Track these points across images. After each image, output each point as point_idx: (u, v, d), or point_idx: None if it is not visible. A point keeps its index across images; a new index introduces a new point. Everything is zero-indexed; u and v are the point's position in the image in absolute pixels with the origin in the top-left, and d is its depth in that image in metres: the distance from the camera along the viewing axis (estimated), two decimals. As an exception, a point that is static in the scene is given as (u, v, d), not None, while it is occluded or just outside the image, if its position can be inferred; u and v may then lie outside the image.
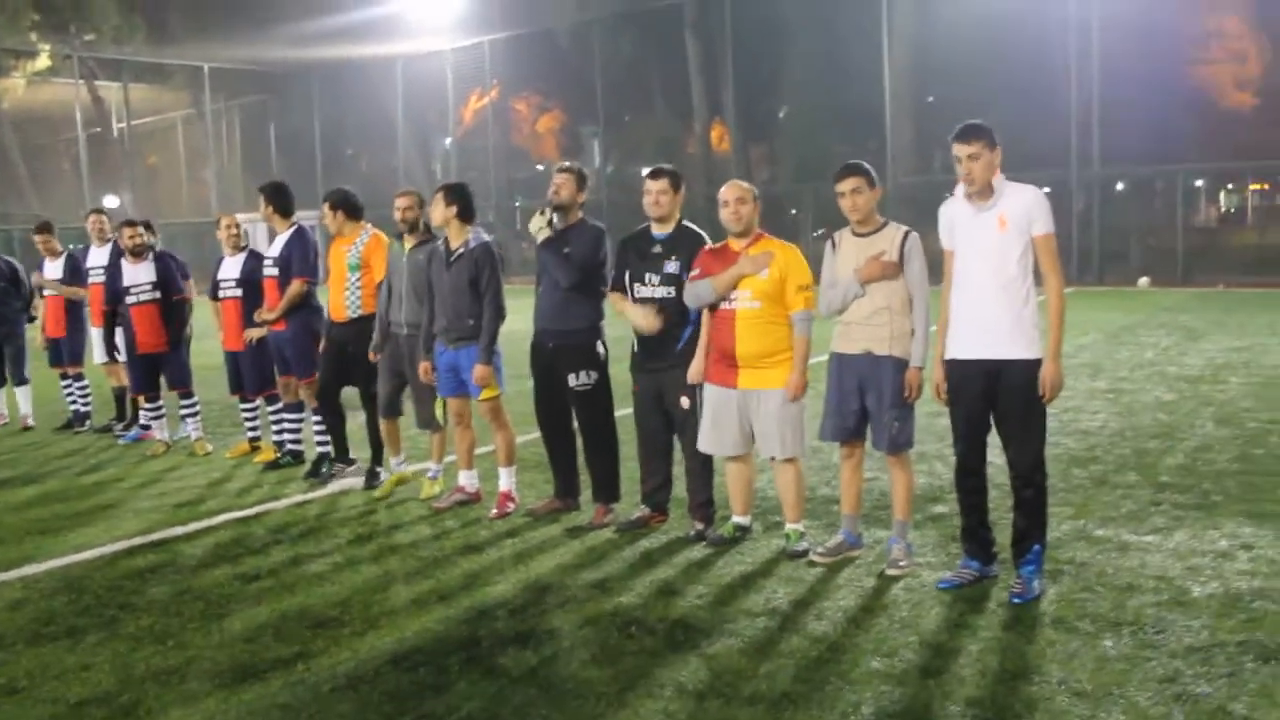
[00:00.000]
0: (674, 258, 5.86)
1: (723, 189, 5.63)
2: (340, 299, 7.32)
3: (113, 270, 8.95)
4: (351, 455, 7.71)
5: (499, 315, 6.45)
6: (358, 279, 7.29)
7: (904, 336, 5.15)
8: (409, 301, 6.85)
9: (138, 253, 8.78)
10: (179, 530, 6.56)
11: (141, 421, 9.37)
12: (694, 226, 6.01)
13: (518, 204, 35.47)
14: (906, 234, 5.21)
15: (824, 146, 28.73)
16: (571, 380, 6.19)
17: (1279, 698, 3.74)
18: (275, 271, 7.75)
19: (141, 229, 8.94)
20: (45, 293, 10.06)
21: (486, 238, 6.55)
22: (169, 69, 39.87)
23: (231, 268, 8.32)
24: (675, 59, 32.21)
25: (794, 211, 29.87)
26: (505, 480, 6.63)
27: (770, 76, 31.68)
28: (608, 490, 6.37)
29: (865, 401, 5.25)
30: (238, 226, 8.42)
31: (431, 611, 4.97)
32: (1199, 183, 27.84)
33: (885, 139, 25.99)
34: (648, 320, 5.83)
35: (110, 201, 35.78)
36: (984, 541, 5.06)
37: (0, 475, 8.34)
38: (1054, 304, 4.80)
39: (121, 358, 9.34)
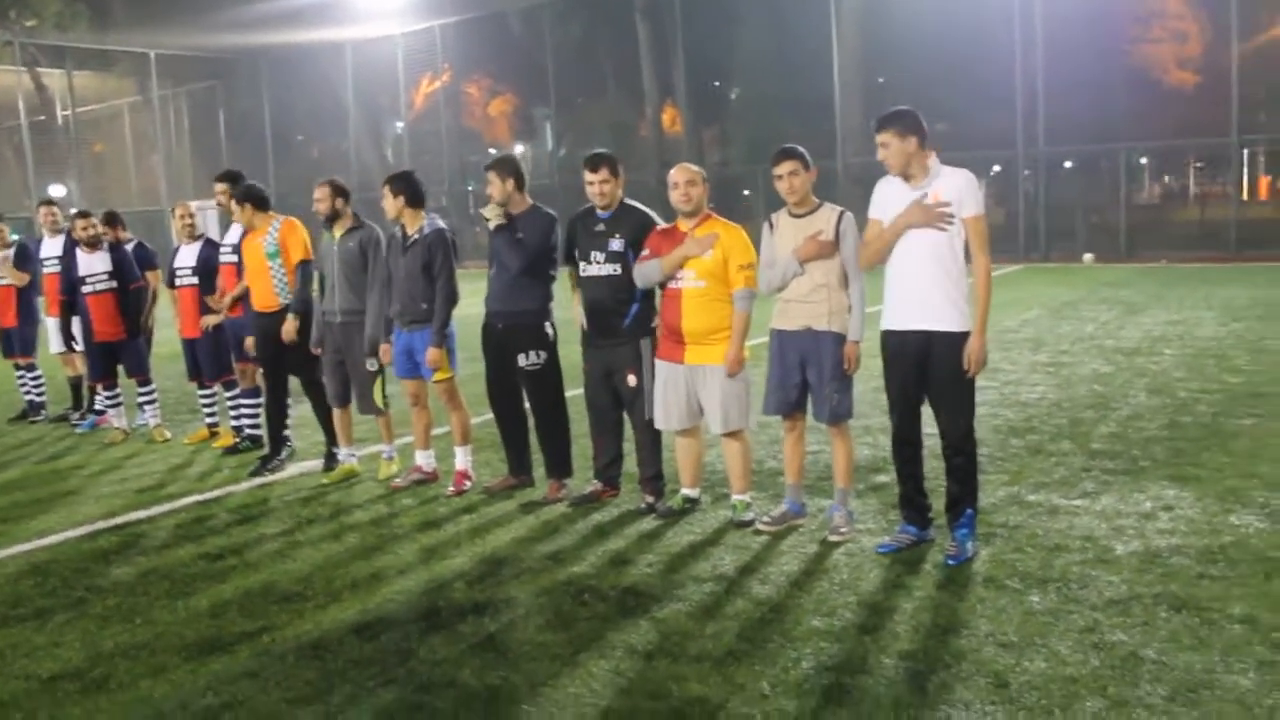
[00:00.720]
0: (618, 235, 6.07)
1: (672, 171, 5.83)
2: (268, 288, 7.41)
3: (68, 260, 8.98)
4: (291, 444, 7.90)
5: (450, 299, 6.61)
6: (280, 265, 7.41)
7: (841, 312, 5.38)
8: (341, 289, 6.97)
9: (92, 243, 8.82)
10: (141, 514, 6.67)
11: (97, 406, 9.43)
12: (637, 204, 6.21)
13: (470, 188, 35.43)
14: (841, 214, 5.43)
15: (775, 128, 28.94)
16: (521, 360, 6.36)
17: (1186, 642, 4.02)
18: (234, 259, 7.85)
19: (96, 221, 8.98)
20: None
21: (441, 224, 6.70)
22: (114, 55, 39.31)
23: (188, 255, 8.40)
24: (626, 42, 32.26)
25: (746, 192, 30.13)
26: (461, 459, 6.80)
27: (721, 59, 31.88)
28: (560, 467, 6.56)
29: (806, 375, 5.48)
30: (192, 215, 8.48)
31: (391, 584, 5.15)
32: (1144, 160, 28.40)
33: (835, 120, 26.27)
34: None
35: (56, 190, 35.29)
36: (920, 507, 5.31)
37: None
38: (981, 282, 5.04)
39: (79, 347, 9.37)
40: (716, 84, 33.78)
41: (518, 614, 4.67)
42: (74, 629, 4.82)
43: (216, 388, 8.65)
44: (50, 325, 9.94)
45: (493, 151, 37.58)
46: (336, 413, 7.33)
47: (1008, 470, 6.54)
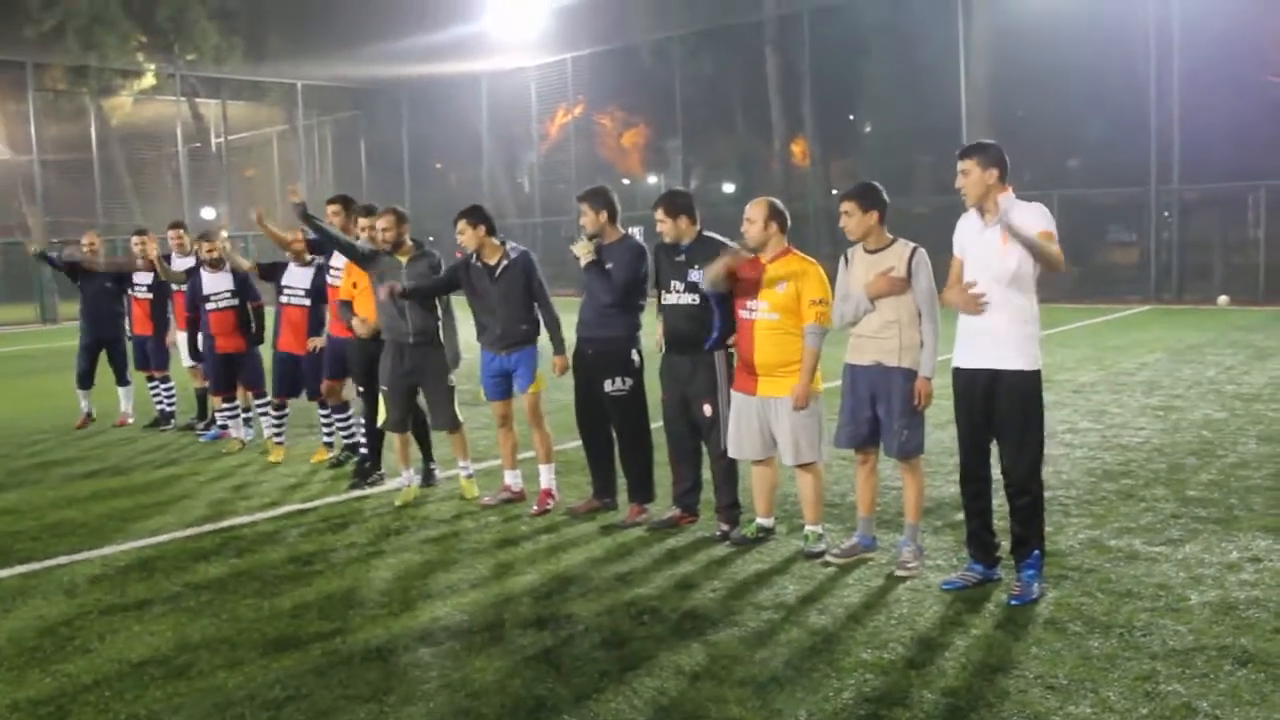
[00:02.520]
0: (696, 266, 6.17)
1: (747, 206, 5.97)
2: (373, 311, 7.58)
3: (194, 280, 9.54)
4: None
5: (557, 313, 6.94)
6: None
7: (913, 348, 5.39)
8: (415, 311, 7.21)
9: (214, 265, 9.35)
10: (244, 519, 7.05)
11: (219, 421, 9.95)
12: (715, 235, 6.32)
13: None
14: (914, 250, 5.44)
15: (904, 160, 28.76)
16: (607, 386, 6.53)
17: (1246, 697, 3.90)
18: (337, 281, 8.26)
19: (219, 243, 9.53)
20: (135, 293, 10.66)
21: (523, 248, 7.00)
22: (265, 86, 41.29)
23: (301, 277, 8.80)
24: (755, 74, 32.45)
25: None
26: (545, 478, 7.01)
27: (850, 91, 31.76)
28: (642, 491, 6.69)
29: (877, 410, 5.49)
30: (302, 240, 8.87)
31: (463, 596, 5.34)
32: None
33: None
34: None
35: (208, 213, 37.22)
36: (987, 545, 5.26)
37: (90, 467, 8.95)
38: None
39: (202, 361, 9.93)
40: (850, 117, 33.68)
41: (577, 630, 4.80)
42: (167, 620, 5.15)
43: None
44: (180, 340, 10.55)
45: (625, 182, 38.17)
46: (397, 439, 7.49)
47: (1093, 514, 6.39)
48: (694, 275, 6.17)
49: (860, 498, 5.80)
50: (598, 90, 35.77)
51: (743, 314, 5.84)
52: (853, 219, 5.50)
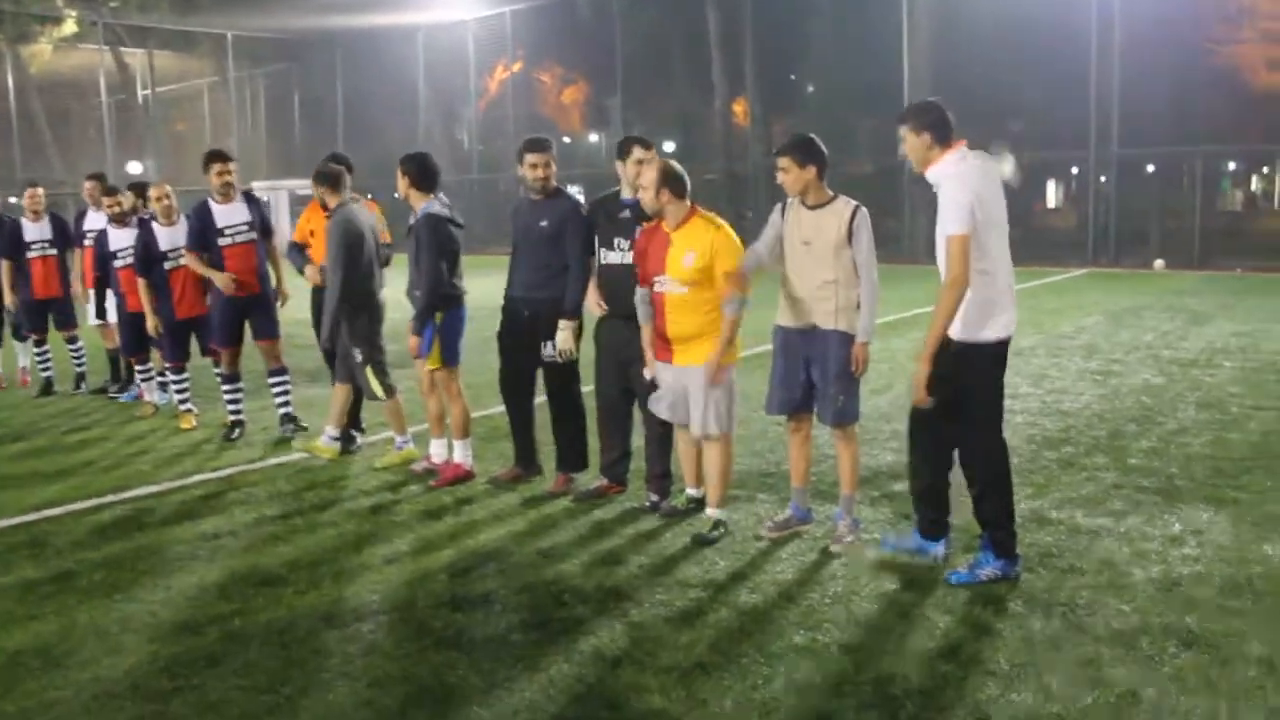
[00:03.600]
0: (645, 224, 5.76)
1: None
2: None
3: (102, 236, 9.00)
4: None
5: (427, 287, 6.37)
6: None
7: (849, 310, 5.13)
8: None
9: (121, 220, 8.84)
10: (152, 489, 6.65)
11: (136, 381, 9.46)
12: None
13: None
14: (855, 209, 5.17)
15: (846, 122, 28.48)
16: (547, 349, 6.18)
17: (1191, 683, 3.73)
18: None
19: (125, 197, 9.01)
20: (32, 254, 10.04)
21: (434, 208, 6.44)
22: (194, 37, 39.95)
23: (178, 237, 8.27)
24: (696, 32, 31.98)
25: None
26: (459, 452, 6.71)
27: (792, 51, 31.42)
28: (571, 459, 6.40)
29: (811, 375, 5.25)
30: (168, 196, 8.32)
31: (376, 573, 5.03)
32: (1231, 166, 27.40)
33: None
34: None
35: (134, 167, 36.02)
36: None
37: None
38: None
39: (112, 319, 9.43)
40: (792, 77, 33.33)
41: (493, 611, 4.52)
42: (54, 603, 4.78)
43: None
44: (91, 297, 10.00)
45: (566, 140, 37.53)
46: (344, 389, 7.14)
47: (1034, 484, 6.22)
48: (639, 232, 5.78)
49: (793, 468, 5.55)
50: (537, 45, 35.08)
51: (653, 287, 5.47)
52: (789, 174, 5.21)
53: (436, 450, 6.88)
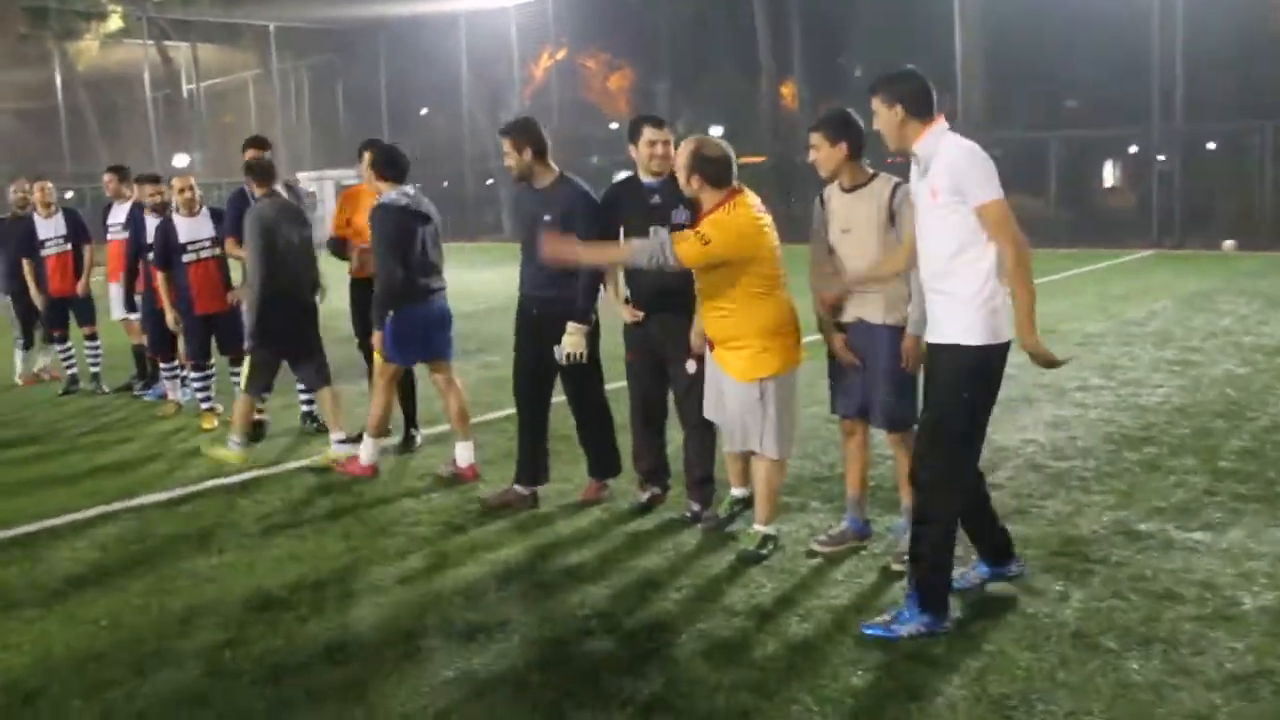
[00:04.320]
0: (681, 206, 5.16)
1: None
2: None
3: (166, 228, 8.56)
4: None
5: (379, 281, 6.05)
6: None
7: (900, 302, 4.56)
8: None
9: (159, 210, 8.44)
10: (161, 495, 6.24)
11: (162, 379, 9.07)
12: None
13: (595, 160, 34.64)
14: (896, 186, 4.58)
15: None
16: (559, 352, 5.52)
17: (1330, 739, 3.15)
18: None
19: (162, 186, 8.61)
20: (46, 252, 9.71)
21: (389, 198, 6.08)
22: (238, 29, 39.95)
23: (203, 227, 7.90)
24: (744, 14, 31.29)
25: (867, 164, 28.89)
26: (366, 452, 6.42)
27: (840, 32, 30.67)
28: (602, 466, 5.86)
29: (864, 375, 4.70)
30: (191, 188, 7.91)
31: (385, 595, 4.56)
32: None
33: (956, 95, 24.89)
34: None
35: (180, 160, 36.05)
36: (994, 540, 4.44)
37: (8, 434, 8.13)
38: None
39: (138, 315, 9.07)
40: (840, 60, 32.53)
41: (511, 644, 4.02)
42: (34, 629, 4.36)
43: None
44: (112, 291, 9.62)
45: (614, 126, 36.96)
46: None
47: (1115, 490, 5.61)
48: (679, 216, 5.17)
49: (849, 474, 4.99)
50: (581, 30, 34.61)
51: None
52: (820, 152, 4.64)
53: (462, 452, 6.42)
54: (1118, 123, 23.41)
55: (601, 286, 5.48)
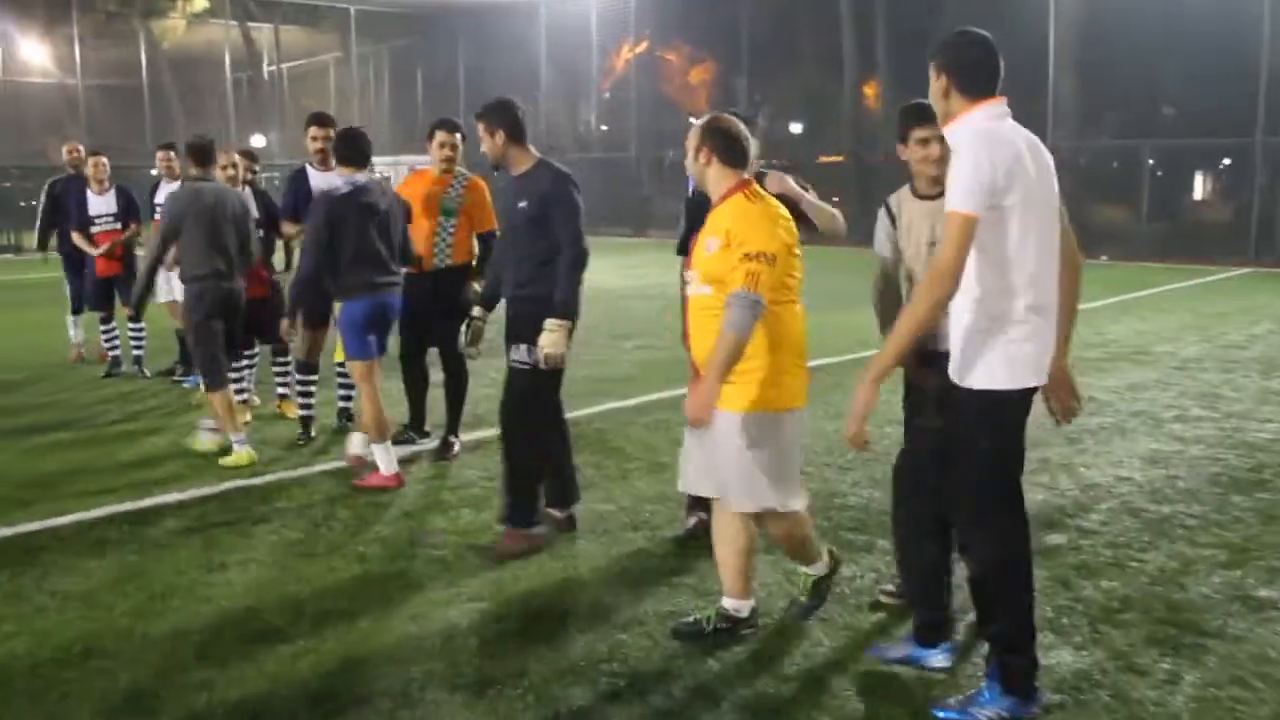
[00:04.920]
0: None
1: None
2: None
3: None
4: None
5: (296, 272, 6.00)
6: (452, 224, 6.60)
7: None
8: None
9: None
10: (172, 497, 5.82)
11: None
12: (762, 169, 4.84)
13: (670, 154, 34.10)
14: None
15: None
16: (510, 353, 4.94)
17: None
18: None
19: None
20: (96, 229, 9.42)
21: (329, 183, 6.02)
22: (320, 12, 39.97)
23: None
24: (828, 9, 30.49)
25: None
26: (382, 460, 5.97)
27: (928, 30, 29.68)
28: (518, 509, 4.95)
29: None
30: (235, 166, 7.52)
31: (392, 633, 4.06)
32: None
33: (1048, 99, 23.87)
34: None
35: (258, 141, 36.20)
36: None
37: (37, 419, 7.82)
38: None
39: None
40: (926, 60, 31.57)
41: (524, 703, 3.49)
42: (3, 650, 3.94)
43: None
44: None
45: (692, 120, 36.33)
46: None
47: (1228, 543, 4.93)
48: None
49: None
50: (663, 22, 34.08)
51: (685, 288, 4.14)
52: (934, 148, 3.89)
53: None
54: (1216, 133, 22.25)
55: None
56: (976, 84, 3.26)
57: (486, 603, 4.33)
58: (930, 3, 28.41)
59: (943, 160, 3.70)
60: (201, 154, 6.54)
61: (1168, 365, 9.47)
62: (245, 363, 7.64)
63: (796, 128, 34.39)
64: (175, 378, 9.18)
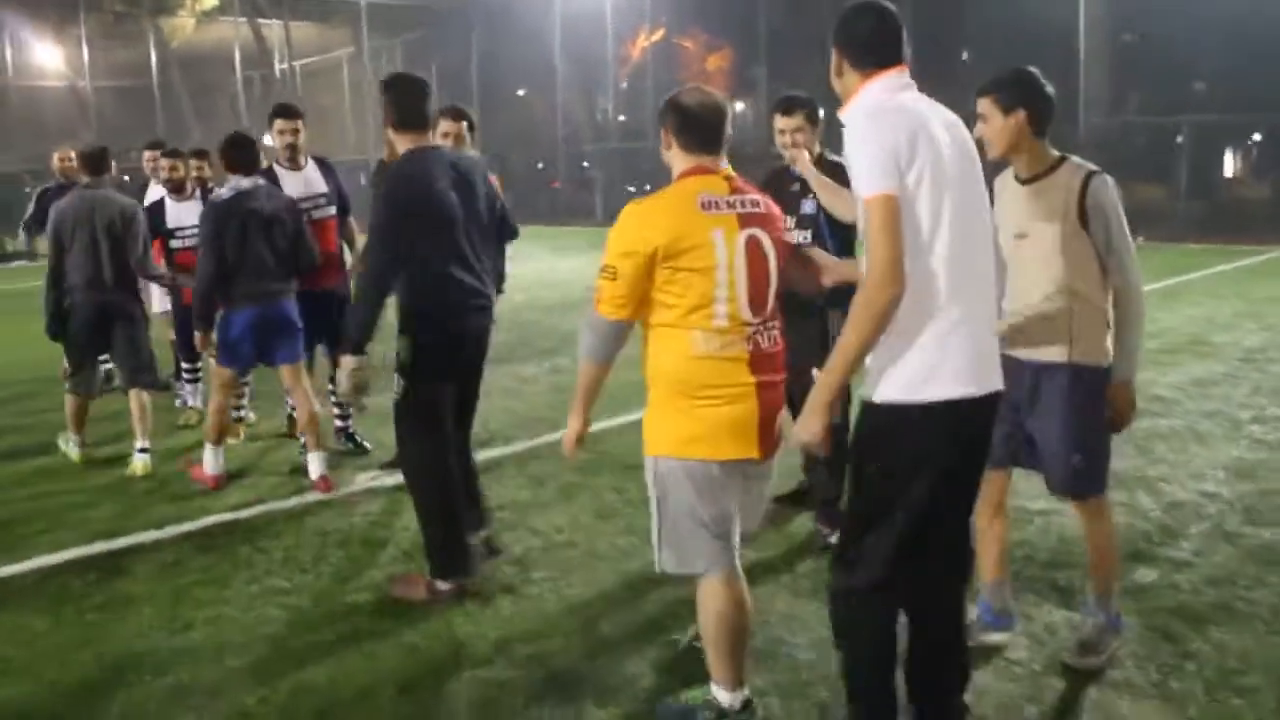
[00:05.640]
0: (811, 196, 4.55)
1: None
2: None
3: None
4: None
5: (195, 280, 5.89)
6: None
7: (1094, 332, 3.40)
8: None
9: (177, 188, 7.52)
10: (150, 536, 5.24)
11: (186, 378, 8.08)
12: (836, 158, 4.45)
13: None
14: (1089, 177, 3.36)
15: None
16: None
17: None
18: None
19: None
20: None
21: (220, 193, 5.83)
22: (332, 6, 39.50)
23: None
24: (844, -4, 29.71)
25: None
26: (208, 460, 6.02)
27: (952, 15, 28.87)
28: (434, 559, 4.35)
29: (1025, 424, 3.48)
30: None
31: (380, 708, 3.45)
32: None
33: (1079, 77, 23.04)
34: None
35: (269, 140, 35.76)
36: None
37: (11, 441, 7.26)
38: None
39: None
40: (964, 57, 30.64)
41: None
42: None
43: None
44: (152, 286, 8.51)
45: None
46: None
47: (1350, 579, 4.26)
48: (807, 207, 4.63)
49: (982, 550, 3.65)
50: (679, 10, 33.48)
51: None
52: (991, 125, 3.43)
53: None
54: (1252, 107, 21.44)
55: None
56: (869, 56, 2.84)
57: (493, 667, 3.71)
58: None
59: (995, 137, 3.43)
60: (92, 162, 6.48)
61: (1232, 357, 8.75)
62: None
63: (779, 104, 33.70)
64: (175, 392, 8.53)
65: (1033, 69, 3.46)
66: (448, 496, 4.25)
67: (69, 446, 6.69)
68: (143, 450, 6.35)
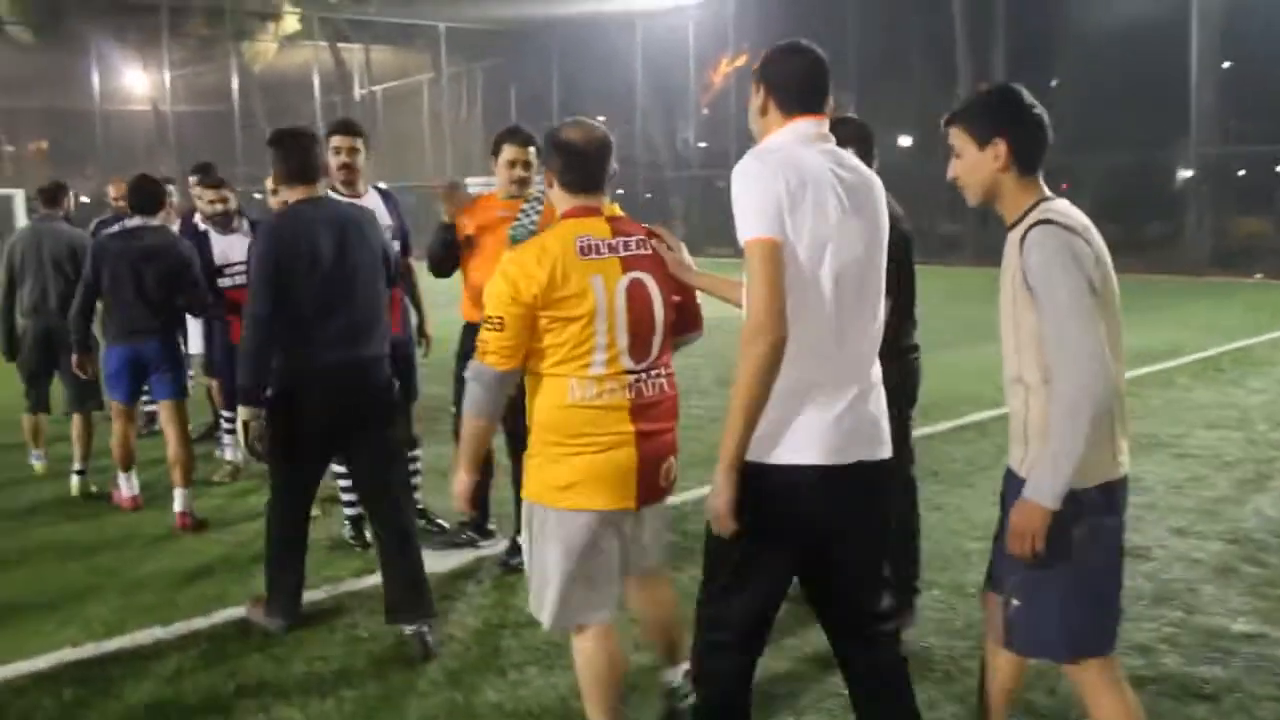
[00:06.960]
0: None
1: None
2: None
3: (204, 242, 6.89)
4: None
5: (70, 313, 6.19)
6: None
7: (1042, 434, 2.63)
8: None
9: (224, 222, 6.80)
10: (150, 635, 4.44)
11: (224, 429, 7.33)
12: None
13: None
14: (1030, 229, 2.60)
15: (1109, 114, 24.44)
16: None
17: None
18: None
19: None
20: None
21: (110, 230, 6.26)
22: (412, 30, 39.45)
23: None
24: (941, 18, 28.67)
25: (1064, 186, 25.76)
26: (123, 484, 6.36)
27: (1050, 38, 27.67)
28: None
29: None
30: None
31: None
32: None
33: (1190, 104, 21.70)
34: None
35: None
36: None
37: (6, 501, 6.57)
38: None
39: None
40: (1054, 82, 29.40)
41: None
42: None
43: None
44: (192, 326, 7.77)
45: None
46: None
47: None
48: None
49: (991, 688, 2.93)
50: (763, 34, 32.69)
51: None
52: (964, 160, 2.72)
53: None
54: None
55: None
56: (792, 100, 2.71)
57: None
58: (1054, 11, 26.43)
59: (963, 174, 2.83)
60: (47, 196, 6.99)
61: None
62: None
63: (906, 140, 32.71)
64: (217, 438, 7.77)
65: (1017, 86, 2.69)
66: (285, 537, 4.34)
67: (35, 461, 7.13)
68: (79, 472, 6.61)
